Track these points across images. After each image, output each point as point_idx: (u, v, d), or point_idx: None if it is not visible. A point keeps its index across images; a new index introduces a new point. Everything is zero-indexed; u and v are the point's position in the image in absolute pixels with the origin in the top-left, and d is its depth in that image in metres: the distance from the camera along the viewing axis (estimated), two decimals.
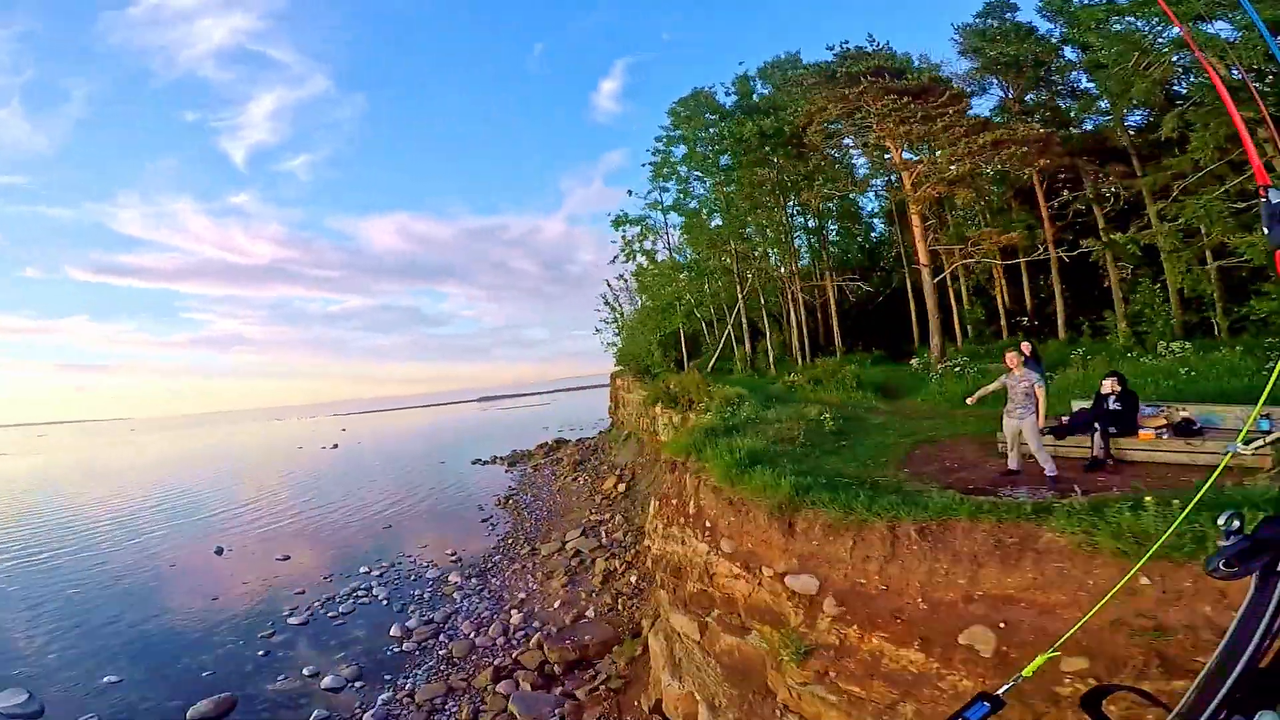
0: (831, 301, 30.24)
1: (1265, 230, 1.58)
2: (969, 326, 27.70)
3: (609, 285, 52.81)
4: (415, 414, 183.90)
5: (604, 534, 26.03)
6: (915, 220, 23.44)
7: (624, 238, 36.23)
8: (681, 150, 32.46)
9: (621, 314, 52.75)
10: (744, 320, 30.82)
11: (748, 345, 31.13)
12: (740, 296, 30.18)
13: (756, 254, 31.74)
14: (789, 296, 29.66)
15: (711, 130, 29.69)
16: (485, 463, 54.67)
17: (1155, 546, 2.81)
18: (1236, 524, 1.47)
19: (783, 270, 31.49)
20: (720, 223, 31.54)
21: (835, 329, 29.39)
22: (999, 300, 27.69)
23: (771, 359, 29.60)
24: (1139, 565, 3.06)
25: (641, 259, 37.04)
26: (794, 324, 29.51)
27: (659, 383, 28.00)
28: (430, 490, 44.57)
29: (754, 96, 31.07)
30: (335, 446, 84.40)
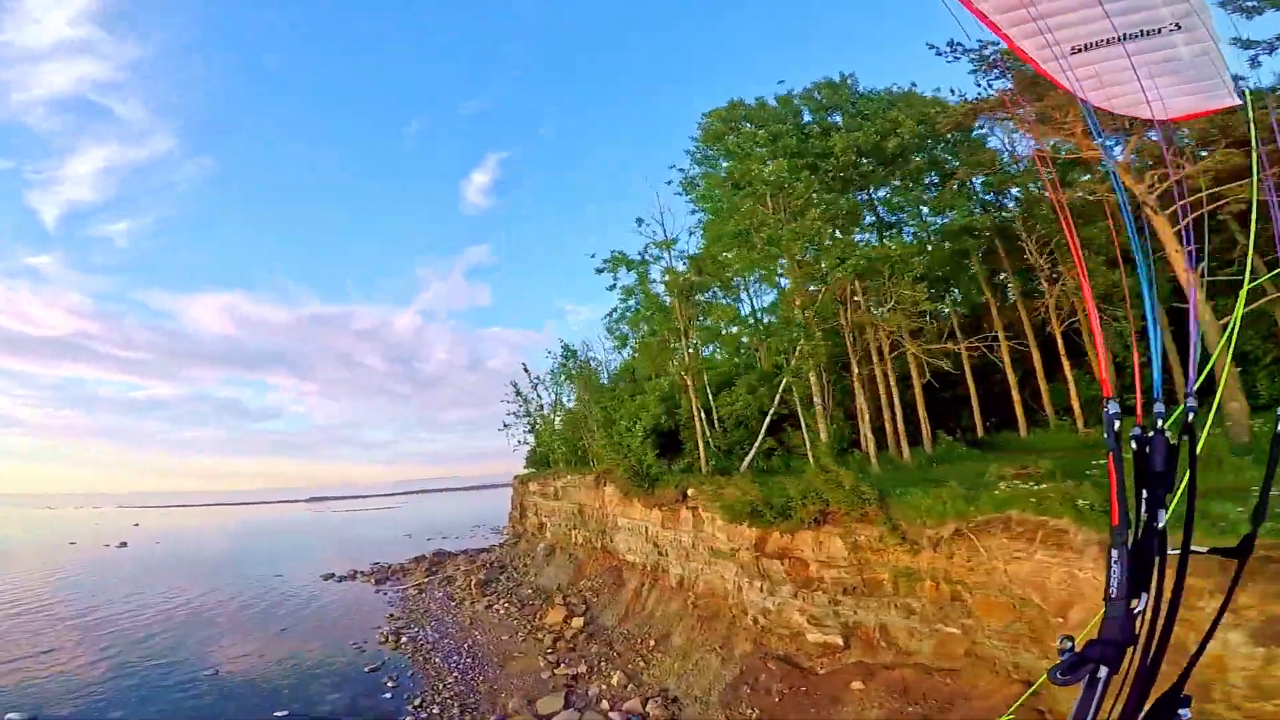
0: (914, 372, 24.46)
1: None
2: None
3: (525, 371, 46.45)
4: (230, 511, 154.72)
5: (606, 702, 18.26)
6: (1163, 227, 16.08)
7: (623, 287, 29.47)
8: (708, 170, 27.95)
9: (540, 407, 46.08)
10: (823, 393, 23.08)
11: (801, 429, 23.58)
12: (850, 358, 23.74)
13: (859, 300, 24.74)
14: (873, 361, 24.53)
15: (759, 147, 24.12)
16: (342, 578, 42.97)
17: None
18: (1069, 644, 2.27)
19: (884, 326, 23.83)
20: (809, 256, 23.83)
21: (920, 405, 23.83)
22: None
23: (872, 448, 22.56)
24: None
25: (634, 330, 30.84)
26: (881, 398, 23.80)
27: (731, 488, 20.25)
28: (274, 617, 32.87)
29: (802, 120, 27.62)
30: (124, 545, 65.19)
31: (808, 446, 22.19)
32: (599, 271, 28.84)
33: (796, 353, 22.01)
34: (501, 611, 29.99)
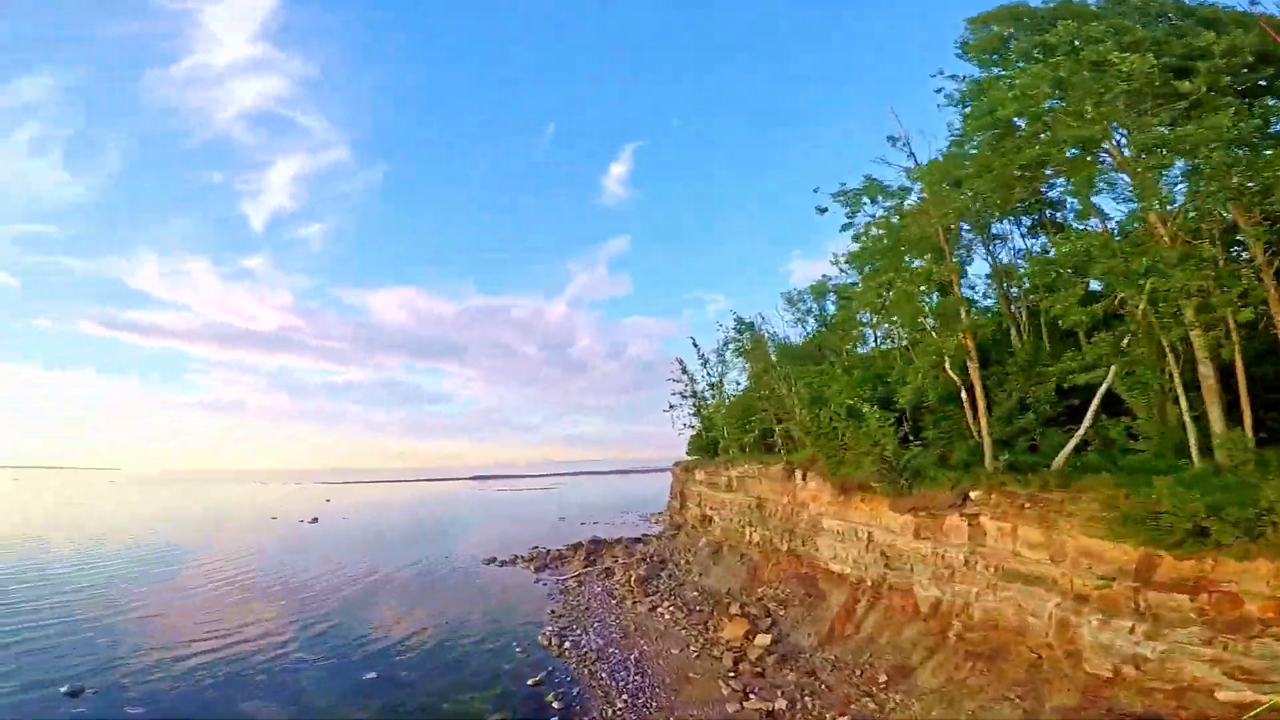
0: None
1: None
2: None
3: (693, 345, 42.18)
4: (407, 488, 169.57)
5: None
6: None
7: (869, 223, 22.78)
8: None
9: (709, 387, 42.00)
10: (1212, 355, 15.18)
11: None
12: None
13: None
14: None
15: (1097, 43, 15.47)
16: (504, 563, 42.44)
17: None
18: None
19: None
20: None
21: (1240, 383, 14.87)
22: None
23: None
24: None
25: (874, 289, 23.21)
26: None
27: (1088, 493, 14.27)
28: (440, 611, 31.96)
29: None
30: (315, 521, 71.42)
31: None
32: (821, 211, 23.07)
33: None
34: (667, 617, 26.69)
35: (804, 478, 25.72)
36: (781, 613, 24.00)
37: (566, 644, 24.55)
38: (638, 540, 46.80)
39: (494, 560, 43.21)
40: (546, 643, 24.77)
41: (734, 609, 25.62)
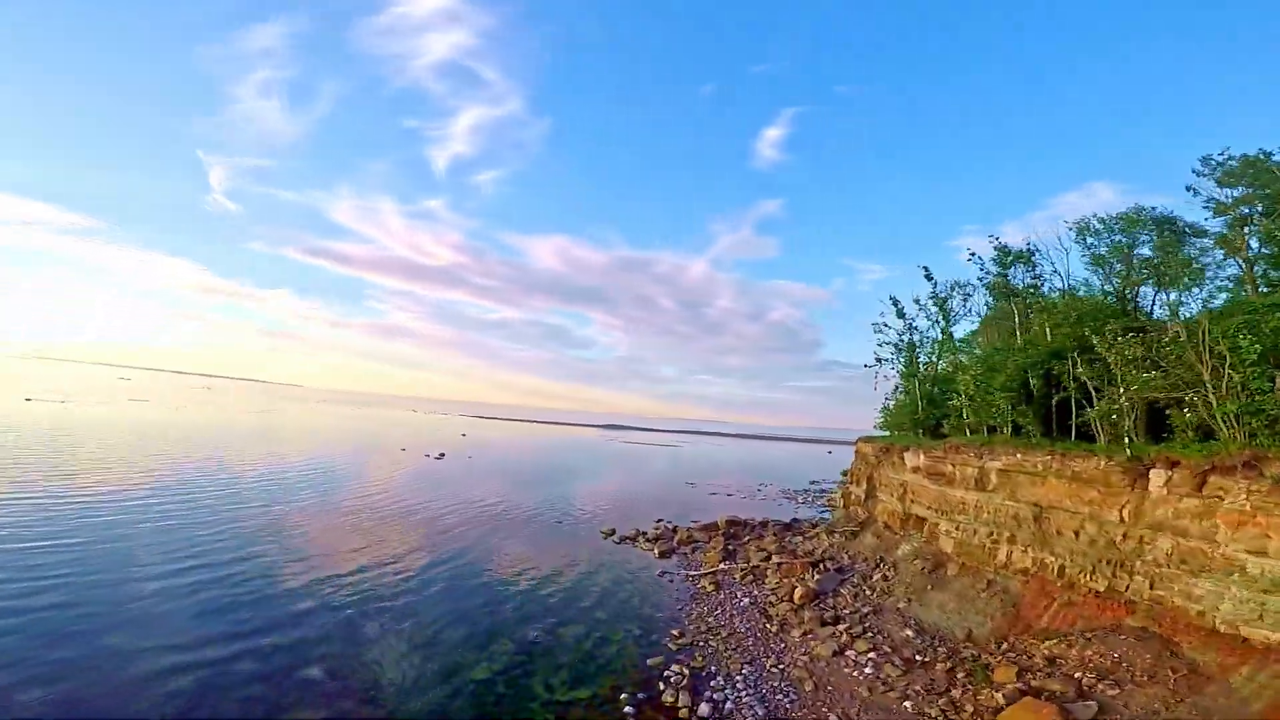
0: None
1: None
2: None
3: (927, 278, 31.60)
4: (540, 430, 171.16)
5: None
6: None
7: None
8: None
9: (946, 342, 30.78)
10: None
11: None
12: None
13: None
14: None
15: None
16: (624, 539, 34.77)
17: None
18: None
19: None
20: None
21: None
22: None
23: None
24: None
25: None
26: None
27: None
28: (551, 592, 24.63)
29: None
30: (441, 456, 69.20)
31: None
32: None
33: None
34: (869, 670, 17.05)
35: (1169, 483, 14.38)
36: (1112, 692, 13.29)
37: (702, 698, 15.65)
38: (789, 528, 36.99)
39: (613, 534, 35.49)
40: (662, 689, 16.10)
41: (1002, 672, 15.21)
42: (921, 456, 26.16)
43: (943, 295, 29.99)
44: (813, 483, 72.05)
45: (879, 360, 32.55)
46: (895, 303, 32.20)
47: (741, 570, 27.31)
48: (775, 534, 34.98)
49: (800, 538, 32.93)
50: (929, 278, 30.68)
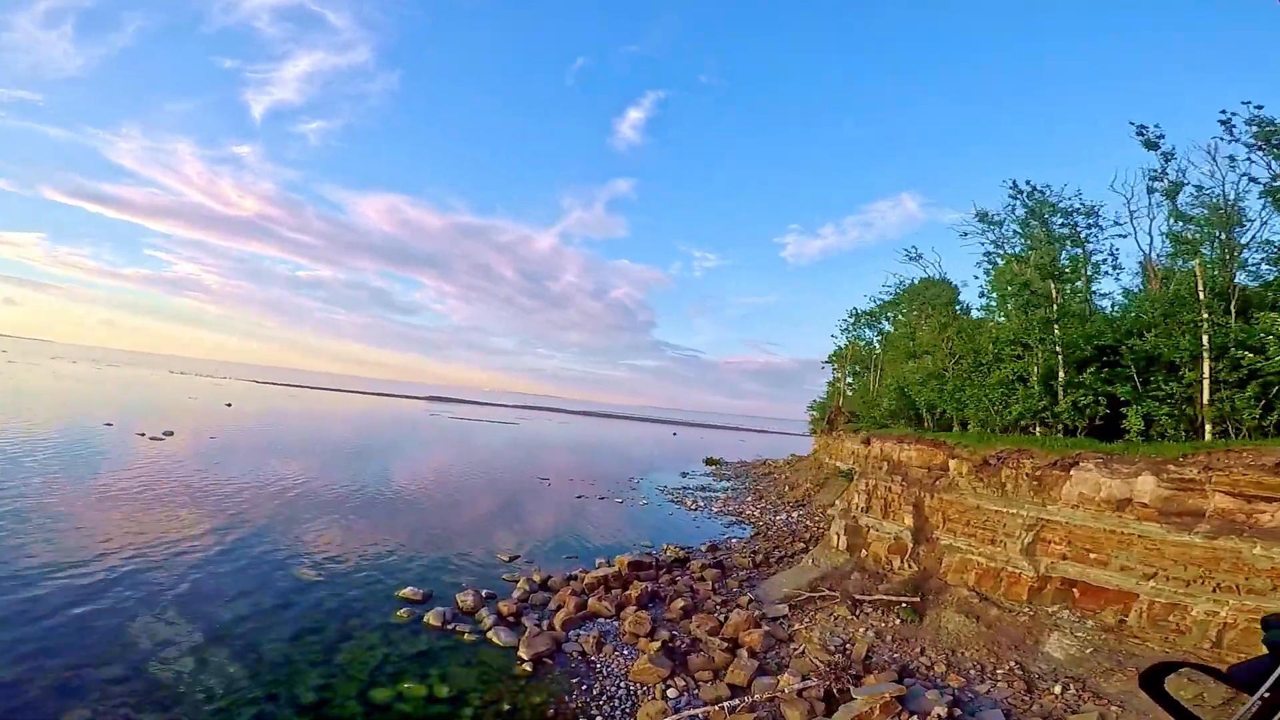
0: None
1: None
2: None
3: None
4: (347, 401, 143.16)
5: None
6: None
7: None
8: None
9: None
10: None
11: None
12: None
13: None
14: None
15: None
16: (449, 625, 18.74)
17: None
18: None
19: None
20: None
21: None
22: None
23: None
24: None
25: None
26: None
27: None
28: None
29: None
30: (168, 435, 46.42)
31: None
32: None
33: None
34: None
35: None
36: None
37: None
38: (723, 571, 23.50)
39: (421, 605, 19.00)
40: None
41: None
42: (1148, 480, 13.56)
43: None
44: (684, 474, 60.36)
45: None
46: (978, 210, 19.96)
47: (687, 691, 13.23)
48: (717, 589, 21.29)
49: (777, 606, 19.24)
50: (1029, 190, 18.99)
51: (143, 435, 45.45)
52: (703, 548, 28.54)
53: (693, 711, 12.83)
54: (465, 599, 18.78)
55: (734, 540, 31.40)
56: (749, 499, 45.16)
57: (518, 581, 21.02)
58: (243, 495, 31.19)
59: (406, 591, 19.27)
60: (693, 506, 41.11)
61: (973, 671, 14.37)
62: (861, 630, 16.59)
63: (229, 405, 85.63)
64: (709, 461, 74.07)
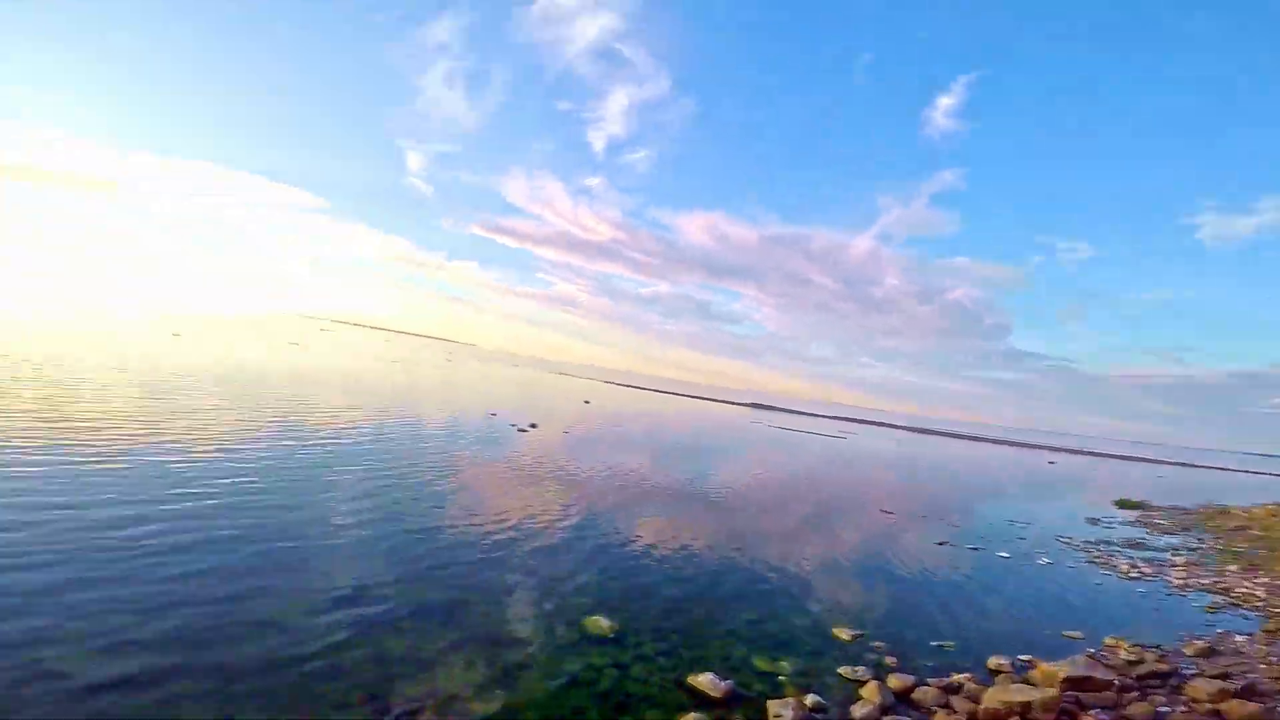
0: None
1: None
2: None
3: None
4: (679, 404, 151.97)
5: None
6: None
7: None
8: None
9: None
10: None
11: None
12: None
13: None
14: None
15: None
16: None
17: None
18: None
19: None
20: None
21: None
22: None
23: None
24: None
25: None
26: None
27: None
28: None
29: None
30: (532, 427, 51.96)
31: None
32: None
33: None
34: None
35: None
36: None
37: None
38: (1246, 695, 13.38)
39: (731, 704, 13.45)
40: None
41: None
42: None
43: None
44: (1094, 521, 44.41)
45: None
46: None
47: None
48: None
49: None
50: None
51: (513, 426, 51.58)
52: (1186, 649, 17.68)
53: None
54: (783, 712, 12.42)
55: (1236, 637, 19.34)
56: (1233, 567, 29.75)
57: (863, 685, 13.60)
58: (589, 483, 31.95)
59: (702, 681, 12.83)
60: (1130, 572, 28.23)
61: None
62: None
63: (587, 403, 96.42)
64: (1124, 504, 54.54)
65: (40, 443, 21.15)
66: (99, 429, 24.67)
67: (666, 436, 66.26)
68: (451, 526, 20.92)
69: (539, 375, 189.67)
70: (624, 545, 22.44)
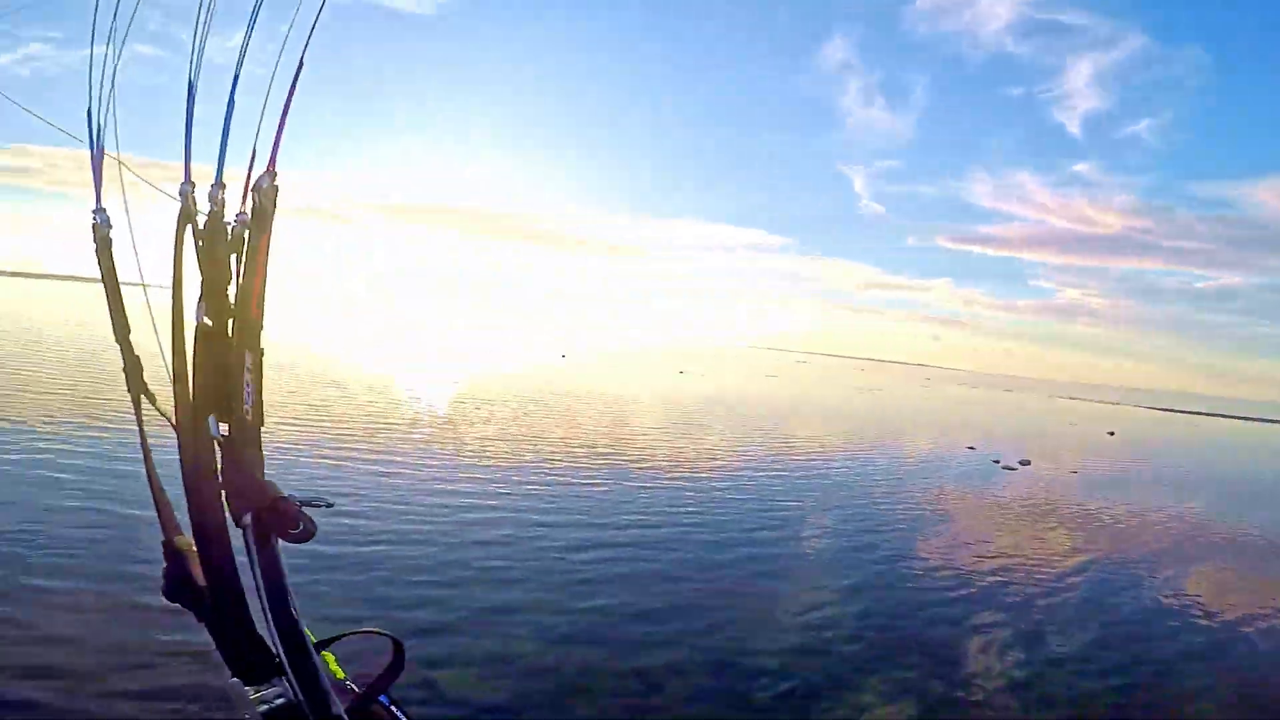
0: None
1: None
2: None
3: None
4: (1264, 431, 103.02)
5: None
6: None
7: None
8: None
9: None
10: None
11: None
12: None
13: None
14: None
15: None
16: None
17: None
18: None
19: None
20: None
21: None
22: None
23: None
24: None
25: None
26: None
27: None
28: None
29: None
30: (1024, 465, 41.91)
31: None
32: None
33: None
34: None
35: None
36: None
37: None
38: None
39: None
40: None
41: None
42: None
43: None
44: None
45: None
46: None
47: None
48: None
49: None
50: None
51: (996, 462, 42.84)
52: None
53: None
54: None
55: None
56: None
57: None
58: (1103, 532, 23.70)
59: None
60: None
61: None
62: None
63: (1111, 434, 74.90)
64: None
65: (535, 462, 26.32)
66: (590, 450, 29.97)
67: (1244, 479, 45.08)
68: (921, 568, 17.63)
69: (1037, 400, 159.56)
70: (1163, 617, 15.03)
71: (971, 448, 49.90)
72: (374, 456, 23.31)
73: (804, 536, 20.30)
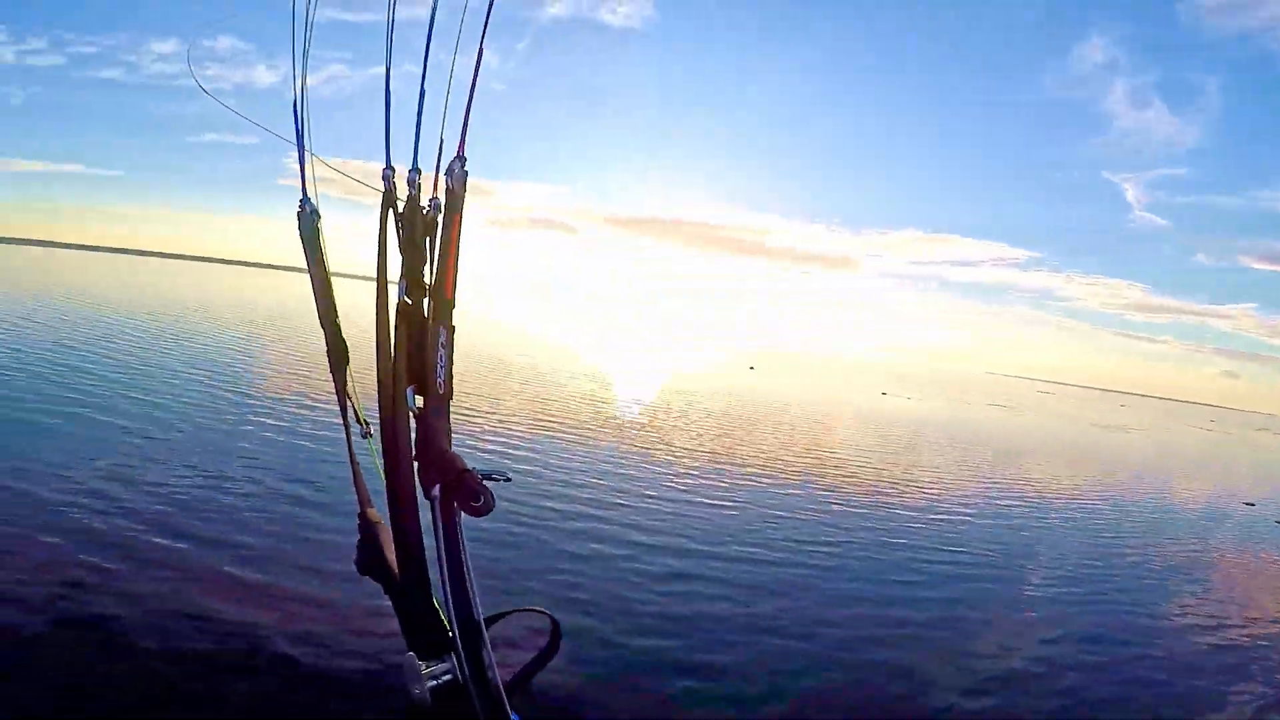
0: None
1: None
2: None
3: None
4: None
5: None
6: None
7: None
8: None
9: None
10: None
11: None
12: None
13: None
14: None
15: None
16: None
17: None
18: None
19: None
20: None
21: None
22: None
23: None
24: None
25: None
26: None
27: None
28: None
29: None
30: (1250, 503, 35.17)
31: None
32: None
33: None
34: None
35: None
36: None
37: None
38: None
39: None
40: None
41: None
42: None
43: None
44: None
45: None
46: None
47: None
48: None
49: None
50: None
51: (1277, 523, 36.90)
52: None
53: None
54: None
55: None
56: None
57: None
58: None
59: None
60: None
61: None
62: None
63: None
64: None
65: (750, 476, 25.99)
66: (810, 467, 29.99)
67: None
68: (1166, 630, 17.08)
69: None
70: None
71: (1250, 504, 42.88)
72: (556, 444, 23.87)
73: (1039, 578, 19.41)
